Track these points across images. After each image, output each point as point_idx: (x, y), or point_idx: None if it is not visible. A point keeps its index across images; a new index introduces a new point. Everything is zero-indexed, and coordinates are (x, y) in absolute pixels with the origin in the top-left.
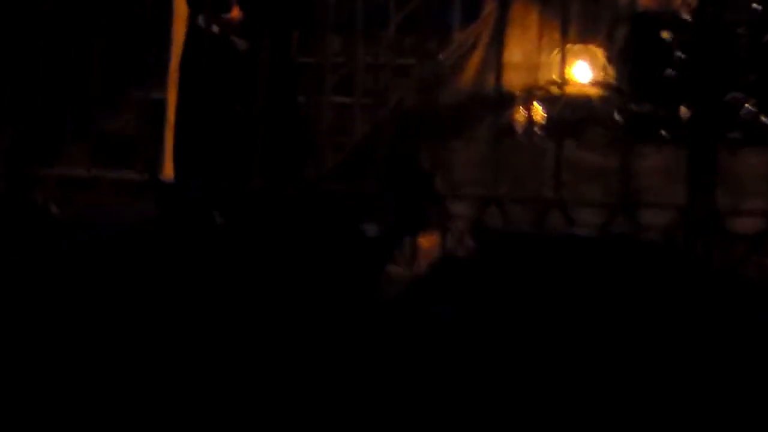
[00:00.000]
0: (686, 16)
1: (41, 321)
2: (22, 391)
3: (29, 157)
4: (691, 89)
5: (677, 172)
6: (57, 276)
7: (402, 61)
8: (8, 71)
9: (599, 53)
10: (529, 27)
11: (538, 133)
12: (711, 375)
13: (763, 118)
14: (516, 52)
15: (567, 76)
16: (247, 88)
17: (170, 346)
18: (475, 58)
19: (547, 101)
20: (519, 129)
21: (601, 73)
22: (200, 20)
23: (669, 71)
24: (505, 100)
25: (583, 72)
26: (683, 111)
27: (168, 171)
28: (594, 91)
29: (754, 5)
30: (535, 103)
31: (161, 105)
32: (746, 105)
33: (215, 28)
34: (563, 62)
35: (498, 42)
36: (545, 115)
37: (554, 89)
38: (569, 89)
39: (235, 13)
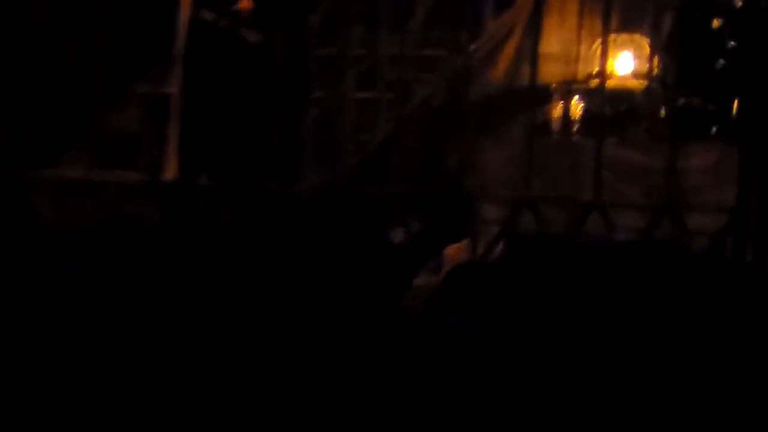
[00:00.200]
0: (738, 2)
1: (37, 326)
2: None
3: (25, 158)
4: (743, 81)
5: (727, 172)
6: (50, 280)
7: (429, 53)
8: (2, 66)
9: (644, 43)
10: (568, 15)
11: (576, 130)
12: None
13: None
14: (553, 42)
15: (608, 69)
16: (259, 82)
17: (171, 351)
18: (509, 50)
19: (587, 95)
20: (555, 126)
21: (646, 65)
22: (205, 13)
23: (719, 62)
24: (541, 95)
25: (625, 64)
26: (734, 105)
27: (172, 170)
28: (637, 85)
29: None
30: (573, 97)
31: (167, 100)
32: None
33: (223, 21)
34: (604, 53)
35: (534, 32)
36: (584, 110)
37: (594, 83)
38: (610, 82)
39: (245, 3)
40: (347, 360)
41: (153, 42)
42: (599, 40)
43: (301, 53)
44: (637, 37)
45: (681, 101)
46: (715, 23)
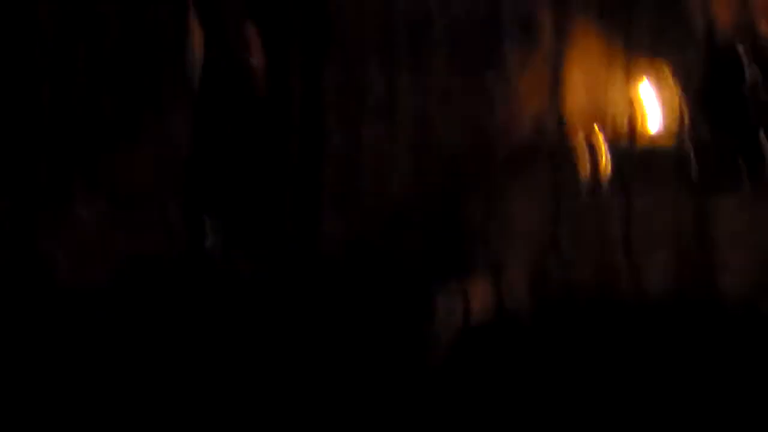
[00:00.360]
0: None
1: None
2: None
3: (35, 199)
4: None
5: (759, 231)
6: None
7: (450, 94)
8: (11, 102)
9: (668, 74)
10: (591, 53)
11: (604, 185)
12: None
13: None
14: (580, 92)
15: (638, 121)
16: (274, 131)
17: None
18: (534, 98)
19: (613, 140)
20: (583, 178)
21: (677, 117)
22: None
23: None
24: (566, 147)
25: (655, 115)
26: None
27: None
28: (668, 137)
29: None
30: (600, 142)
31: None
32: None
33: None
34: (633, 105)
35: (556, 71)
36: (610, 155)
37: (622, 125)
38: (640, 134)
39: (256, 54)
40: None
41: (166, 85)
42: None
43: (318, 100)
44: (661, 66)
45: (712, 156)
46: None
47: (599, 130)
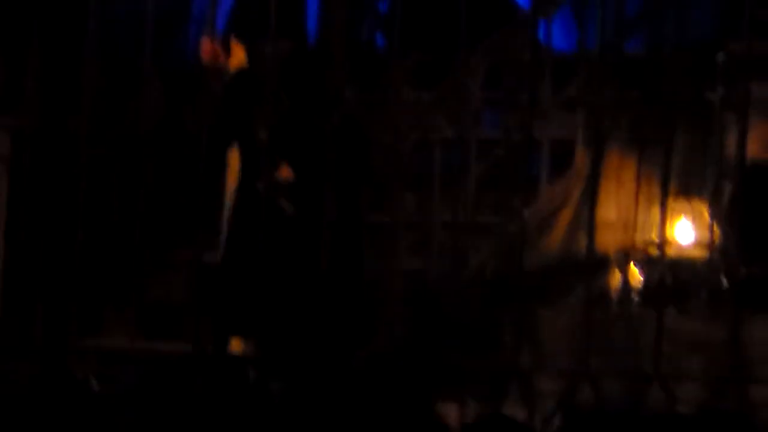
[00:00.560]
0: None
1: None
2: None
3: (68, 328)
4: None
5: None
6: None
7: (483, 220)
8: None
9: (704, 210)
10: (626, 180)
11: (635, 299)
12: None
13: None
14: (610, 209)
15: (668, 236)
16: (305, 250)
17: None
18: (565, 216)
19: (646, 264)
20: (613, 296)
21: (706, 233)
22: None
23: None
24: (598, 264)
25: (685, 231)
26: None
27: (218, 338)
28: (698, 253)
29: None
30: (631, 266)
31: (211, 268)
32: None
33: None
34: (663, 220)
35: (590, 198)
36: (643, 279)
37: (653, 251)
38: (670, 250)
39: (285, 172)
40: None
41: (197, 208)
42: (657, 207)
43: (351, 221)
44: (696, 203)
45: (743, 270)
46: None
47: (631, 245)
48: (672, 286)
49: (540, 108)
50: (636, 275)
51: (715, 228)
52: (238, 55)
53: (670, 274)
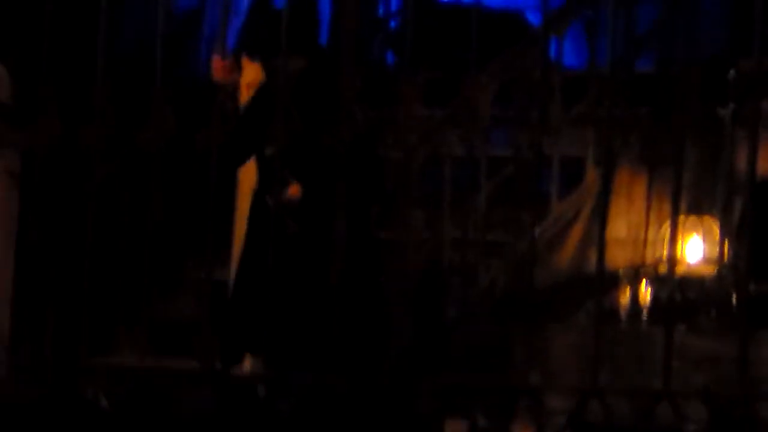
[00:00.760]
0: None
1: None
2: None
3: (78, 346)
4: None
5: None
6: None
7: (493, 237)
8: (54, 248)
9: (714, 227)
10: (636, 198)
11: (645, 317)
12: None
13: None
14: (620, 225)
15: (678, 253)
16: (316, 267)
17: None
18: (575, 233)
19: (656, 282)
20: (623, 313)
21: (716, 250)
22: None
23: None
24: (608, 281)
25: (695, 248)
26: None
27: (227, 357)
28: (708, 270)
29: None
30: (641, 283)
31: (224, 287)
32: None
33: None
34: (674, 237)
35: (601, 215)
36: (653, 297)
37: (663, 268)
38: (680, 268)
39: (293, 190)
40: None
41: (208, 226)
42: (668, 224)
43: (361, 238)
44: (707, 220)
45: (752, 288)
46: None
47: (641, 262)
48: (682, 303)
49: (550, 125)
50: (646, 292)
51: (725, 245)
52: (249, 73)
53: (679, 291)
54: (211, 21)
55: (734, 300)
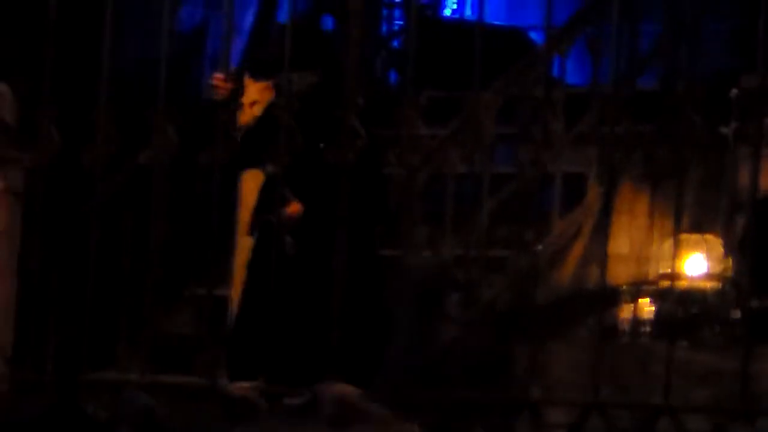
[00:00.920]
0: None
1: None
2: None
3: (80, 361)
4: None
5: None
6: None
7: (495, 254)
8: (57, 265)
9: (716, 243)
10: (638, 214)
11: (646, 332)
12: None
13: None
14: (622, 242)
15: (679, 269)
16: (318, 285)
17: None
18: (577, 250)
19: (657, 297)
20: (624, 328)
21: (718, 266)
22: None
23: None
24: (610, 297)
25: (697, 264)
26: None
27: (230, 373)
28: (709, 286)
29: None
30: (643, 299)
31: (225, 303)
32: None
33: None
34: (676, 253)
35: (603, 231)
36: (655, 312)
37: (665, 284)
38: (682, 284)
39: (293, 208)
40: None
41: (210, 242)
42: (670, 240)
43: (363, 257)
44: (709, 237)
45: (754, 303)
46: None
47: (642, 277)
48: (683, 319)
49: (553, 142)
50: (647, 308)
51: (728, 260)
52: (252, 93)
53: (681, 306)
54: (214, 40)
55: (736, 315)
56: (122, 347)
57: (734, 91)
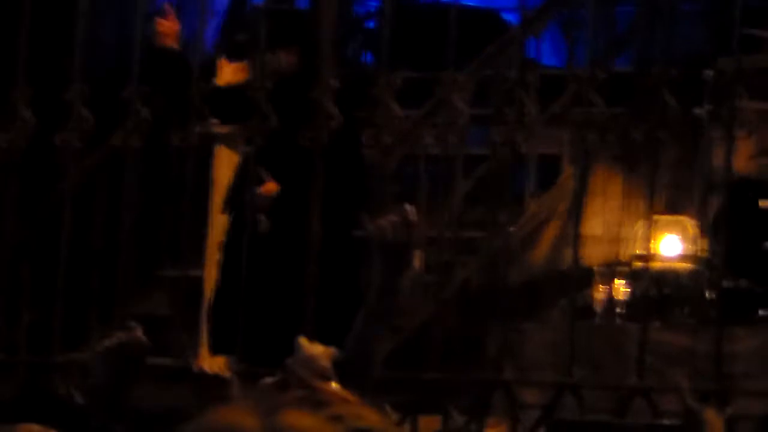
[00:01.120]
0: None
1: None
2: None
3: (51, 343)
4: None
5: None
6: None
7: (468, 235)
8: (28, 245)
9: (689, 224)
10: (612, 196)
11: (620, 313)
12: None
13: None
14: (596, 223)
15: (653, 251)
16: (291, 268)
17: None
18: (550, 231)
19: (631, 278)
20: (598, 309)
21: (692, 247)
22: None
23: (767, 244)
24: (583, 278)
25: (671, 245)
26: None
27: (204, 356)
28: (683, 267)
29: None
30: (616, 280)
31: (198, 283)
32: None
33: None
34: (649, 235)
35: (576, 212)
36: (628, 293)
37: (638, 264)
38: (655, 265)
39: (268, 187)
40: None
41: (183, 224)
42: (644, 222)
43: (338, 237)
44: (682, 218)
45: (728, 284)
46: (764, 204)
47: (616, 258)
48: (656, 299)
49: (527, 124)
50: (621, 289)
51: (701, 241)
52: (227, 74)
53: (654, 287)
54: (189, 22)
55: (709, 296)
56: (94, 329)
57: (708, 73)
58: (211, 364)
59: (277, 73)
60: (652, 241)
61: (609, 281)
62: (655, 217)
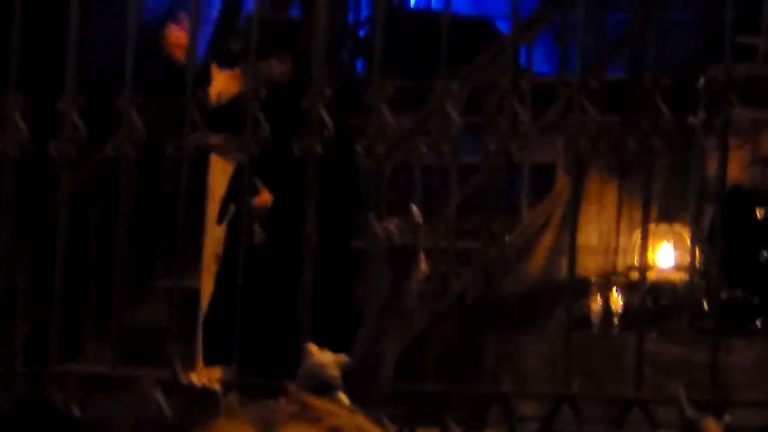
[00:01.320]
0: None
1: None
2: None
3: (48, 354)
4: None
5: None
6: None
7: (464, 245)
8: (24, 256)
9: (685, 234)
10: (607, 205)
11: (616, 324)
12: None
13: None
14: (591, 233)
15: (649, 260)
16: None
17: None
18: (546, 241)
19: (627, 289)
20: (594, 320)
21: (687, 257)
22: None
23: (764, 254)
24: (579, 288)
25: (666, 256)
26: None
27: (200, 368)
28: (679, 277)
29: None
30: (612, 290)
31: (195, 295)
32: None
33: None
34: (645, 244)
35: (571, 222)
36: (624, 304)
37: (634, 275)
38: (651, 275)
39: (263, 197)
40: None
41: (179, 235)
42: (639, 232)
43: (334, 247)
44: (678, 227)
45: (724, 294)
46: (759, 213)
47: (612, 269)
48: (653, 310)
49: (520, 132)
50: (617, 300)
51: (696, 251)
52: (219, 82)
53: (651, 297)
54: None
55: (706, 306)
56: (90, 339)
57: (702, 81)
58: (206, 375)
59: (269, 82)
60: (648, 251)
61: (605, 291)
62: (650, 226)
